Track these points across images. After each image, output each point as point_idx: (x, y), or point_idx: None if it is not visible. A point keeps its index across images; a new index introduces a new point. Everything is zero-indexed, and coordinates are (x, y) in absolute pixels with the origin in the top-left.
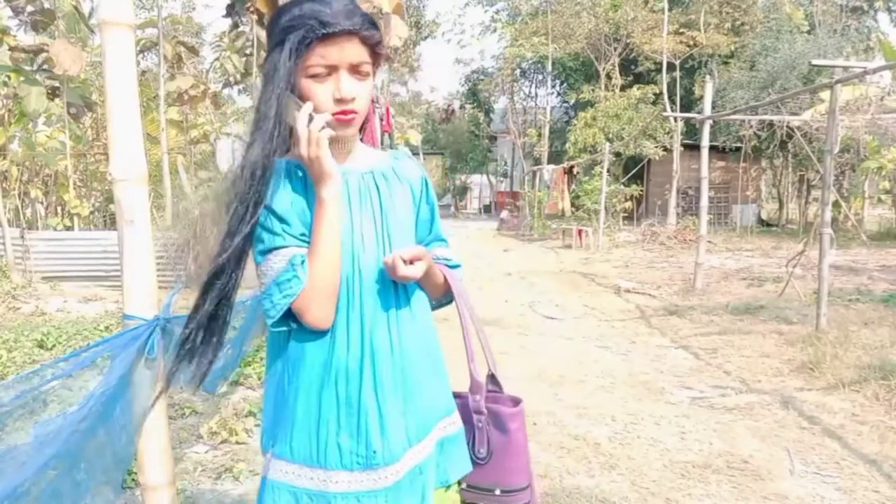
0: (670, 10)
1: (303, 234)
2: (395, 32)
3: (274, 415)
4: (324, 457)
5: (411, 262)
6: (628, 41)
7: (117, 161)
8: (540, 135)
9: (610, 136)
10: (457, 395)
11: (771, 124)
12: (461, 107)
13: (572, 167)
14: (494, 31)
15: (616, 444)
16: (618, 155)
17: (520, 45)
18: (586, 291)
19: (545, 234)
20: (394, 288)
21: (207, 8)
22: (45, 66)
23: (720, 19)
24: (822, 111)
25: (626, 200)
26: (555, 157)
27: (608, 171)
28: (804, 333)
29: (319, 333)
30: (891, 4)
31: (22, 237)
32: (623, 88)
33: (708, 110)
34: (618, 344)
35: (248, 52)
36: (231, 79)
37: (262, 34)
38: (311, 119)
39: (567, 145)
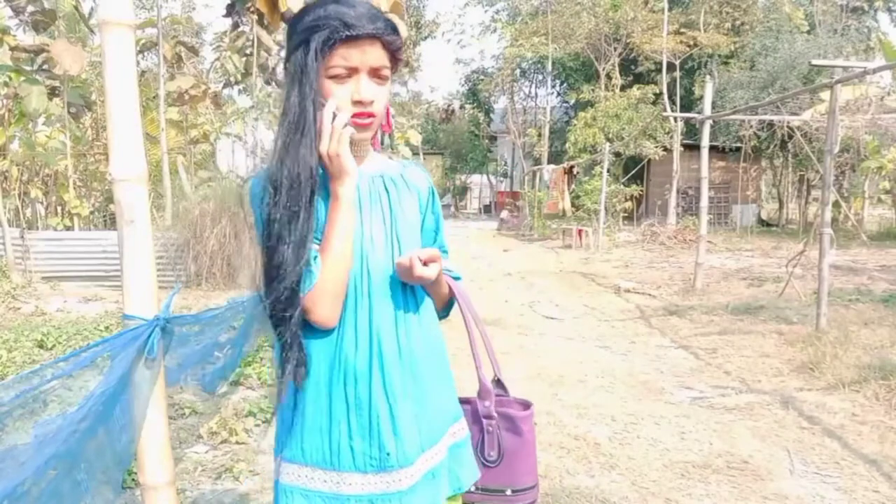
0: (670, 10)
1: (316, 233)
2: None
3: (284, 417)
4: (337, 459)
5: (426, 264)
6: (628, 41)
7: (117, 161)
8: (540, 135)
9: (610, 136)
10: (463, 401)
11: (771, 124)
12: (461, 107)
13: (572, 167)
14: (494, 31)
15: (616, 444)
16: (618, 155)
17: (520, 45)
18: (586, 291)
19: (545, 234)
20: (402, 291)
21: (207, 8)
22: (45, 66)
23: (720, 19)
24: (822, 111)
25: (626, 200)
26: (555, 157)
27: (608, 171)
28: (804, 333)
29: (326, 333)
30: (891, 4)
31: (22, 237)
32: (623, 88)
33: (708, 110)
34: (618, 344)
35: (248, 52)
36: (232, 79)
37: (263, 34)
38: (333, 117)
39: (567, 145)
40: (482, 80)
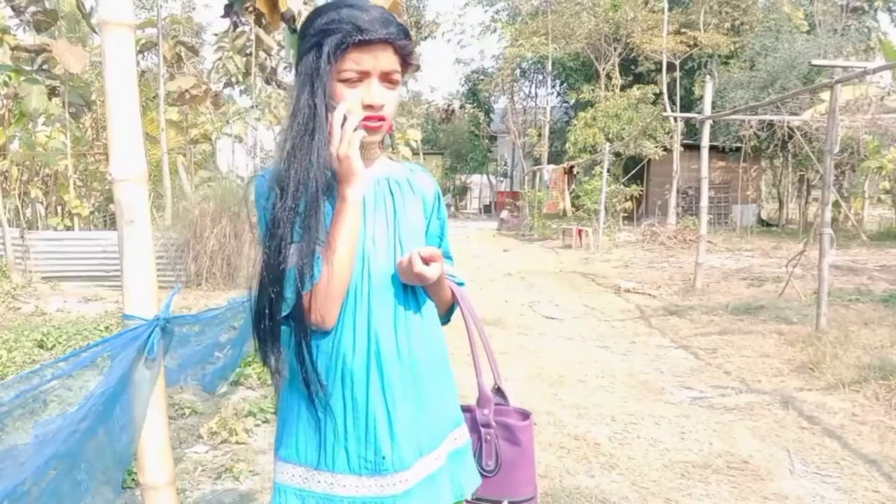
0: (670, 10)
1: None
2: None
3: (283, 416)
4: (331, 460)
5: (426, 263)
6: (628, 41)
7: (117, 161)
8: (540, 135)
9: (610, 136)
10: (462, 409)
11: (771, 124)
12: (461, 107)
13: (572, 167)
14: (494, 31)
15: (616, 444)
16: (618, 155)
17: (520, 45)
18: (586, 291)
19: (545, 234)
20: (403, 294)
21: (207, 8)
22: (45, 66)
23: (720, 19)
24: (822, 111)
25: (626, 200)
26: (555, 157)
27: (608, 171)
28: (804, 333)
29: (324, 335)
30: (891, 4)
31: (22, 237)
32: (623, 88)
33: (708, 110)
34: (618, 344)
35: (248, 52)
36: (233, 79)
37: (262, 34)
38: (344, 119)
39: (567, 145)
40: (482, 80)
